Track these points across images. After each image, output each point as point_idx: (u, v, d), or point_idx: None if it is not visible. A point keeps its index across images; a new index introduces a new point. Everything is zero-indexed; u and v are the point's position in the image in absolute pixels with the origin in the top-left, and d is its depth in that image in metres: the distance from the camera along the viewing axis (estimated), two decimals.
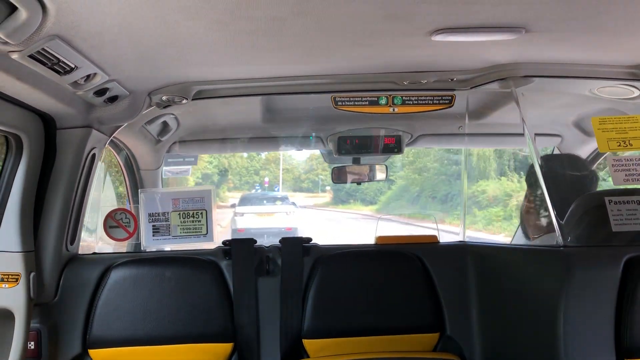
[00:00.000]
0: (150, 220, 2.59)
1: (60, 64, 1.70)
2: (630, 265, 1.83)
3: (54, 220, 2.32)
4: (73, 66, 1.75)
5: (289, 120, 3.37)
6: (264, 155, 24.02)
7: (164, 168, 3.69)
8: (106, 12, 1.46)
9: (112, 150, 3.32)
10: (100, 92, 2.08)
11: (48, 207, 2.30)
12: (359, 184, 3.75)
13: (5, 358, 2.14)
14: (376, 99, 2.53)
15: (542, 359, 1.96)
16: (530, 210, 2.49)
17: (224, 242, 2.64)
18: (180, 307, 2.48)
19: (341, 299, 2.56)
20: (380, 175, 3.60)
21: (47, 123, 2.21)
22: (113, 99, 2.21)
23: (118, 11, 1.46)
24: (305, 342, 2.54)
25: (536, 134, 2.33)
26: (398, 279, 2.59)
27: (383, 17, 1.57)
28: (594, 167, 3.07)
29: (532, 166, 2.50)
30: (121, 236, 2.60)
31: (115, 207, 2.72)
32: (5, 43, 1.45)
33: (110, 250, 2.96)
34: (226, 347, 2.50)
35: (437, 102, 2.55)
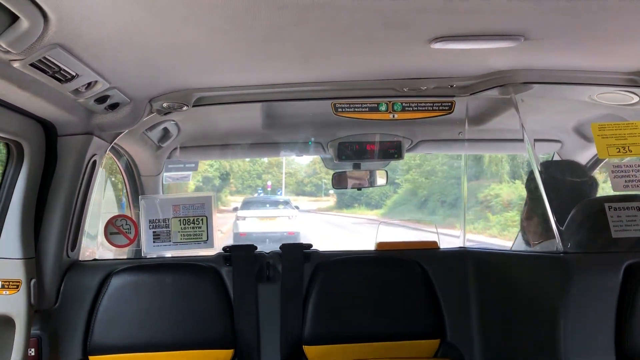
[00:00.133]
0: (151, 227, 2.59)
1: (61, 72, 1.71)
2: (630, 271, 1.83)
3: (54, 227, 2.32)
4: (74, 74, 1.76)
5: (289, 126, 3.38)
6: (266, 159, 23.96)
7: (165, 174, 3.70)
8: (107, 21, 1.47)
9: (113, 156, 3.33)
10: (101, 99, 2.09)
11: (49, 214, 2.31)
12: (359, 189, 3.76)
13: None
14: (376, 105, 2.53)
15: None
16: (530, 217, 2.49)
17: (224, 249, 2.64)
18: (181, 313, 2.48)
19: (342, 305, 2.56)
20: (380, 180, 3.61)
21: (48, 130, 2.22)
22: (114, 106, 2.22)
23: (119, 20, 1.47)
24: (306, 348, 2.54)
25: (536, 140, 2.33)
26: (398, 285, 2.59)
27: (382, 25, 1.58)
28: (595, 172, 3.07)
29: (531, 172, 2.50)
30: (122, 242, 2.60)
31: (116, 214, 2.72)
32: (7, 52, 1.47)
33: (111, 256, 2.96)
34: (226, 354, 2.50)
35: (437, 108, 2.55)
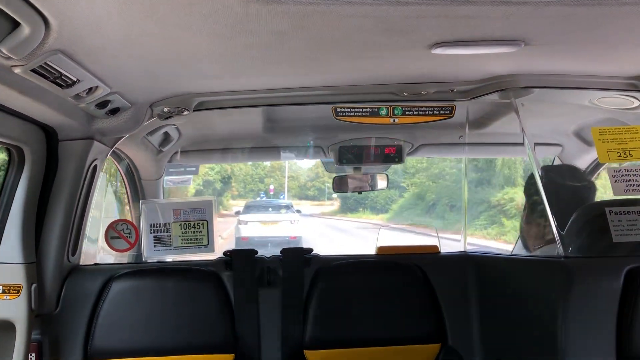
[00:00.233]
0: (152, 231, 2.59)
1: (62, 77, 1.71)
2: (631, 276, 1.83)
3: (55, 232, 2.32)
4: (75, 79, 1.77)
5: (290, 130, 3.39)
6: (268, 163, 23.89)
7: (166, 178, 3.70)
8: (108, 27, 1.47)
9: (114, 160, 3.33)
10: (102, 104, 2.09)
11: (50, 219, 2.31)
12: (359, 192, 3.76)
13: None
14: (377, 109, 2.54)
15: None
16: (530, 221, 2.49)
17: (225, 253, 2.64)
18: (181, 318, 2.48)
19: (342, 310, 2.56)
20: (381, 184, 3.61)
21: (49, 135, 2.22)
22: (115, 111, 2.23)
23: (119, 26, 1.47)
24: (307, 353, 2.53)
25: (536, 144, 2.33)
26: (399, 290, 2.59)
27: (383, 31, 1.58)
28: (595, 175, 3.07)
29: (530, 176, 2.50)
30: (122, 247, 2.60)
31: (117, 218, 2.72)
32: (8, 58, 1.47)
33: (112, 260, 2.96)
34: (227, 358, 2.50)
35: (438, 112, 2.55)
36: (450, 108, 2.54)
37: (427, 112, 2.55)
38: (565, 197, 2.36)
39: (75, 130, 2.23)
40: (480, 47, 1.75)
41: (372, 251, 2.78)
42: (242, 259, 2.61)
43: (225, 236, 13.77)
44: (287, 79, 2.22)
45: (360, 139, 3.14)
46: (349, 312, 2.55)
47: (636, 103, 2.43)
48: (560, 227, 2.04)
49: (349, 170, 3.46)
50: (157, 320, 2.46)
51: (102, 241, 2.65)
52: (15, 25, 1.36)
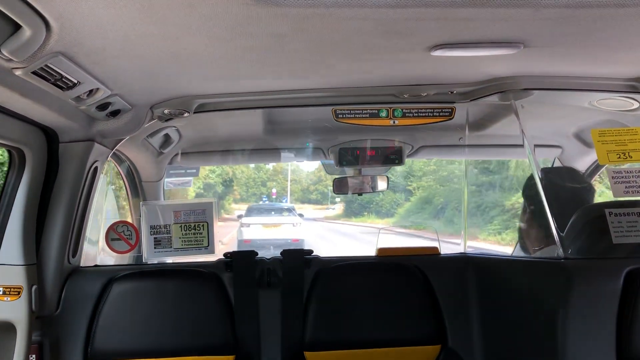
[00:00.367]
0: (152, 233, 2.60)
1: (63, 79, 1.72)
2: (631, 277, 1.83)
3: (56, 233, 2.33)
4: (76, 82, 1.77)
5: (290, 132, 3.39)
6: (271, 166, 23.78)
7: (166, 180, 3.71)
8: (108, 29, 1.48)
9: (114, 162, 3.33)
10: (103, 106, 2.10)
11: (50, 220, 2.31)
12: (360, 194, 3.76)
13: None
14: (377, 111, 2.54)
15: None
16: (529, 223, 2.49)
17: (225, 255, 2.65)
18: (182, 319, 2.48)
19: (342, 311, 2.56)
20: (381, 185, 3.61)
21: (50, 137, 2.23)
22: (115, 113, 2.23)
23: (120, 28, 1.48)
24: (307, 354, 2.54)
25: (536, 145, 2.34)
26: (399, 291, 2.60)
27: (382, 33, 1.59)
28: (595, 177, 3.08)
29: (529, 178, 2.51)
30: (123, 249, 2.61)
31: (117, 220, 2.72)
32: (9, 60, 1.48)
33: (112, 262, 2.97)
34: None
35: (437, 114, 2.56)
36: (450, 110, 2.55)
37: (427, 114, 2.55)
38: (565, 199, 2.36)
39: (76, 132, 2.23)
40: (479, 49, 1.75)
41: (372, 253, 2.79)
42: (242, 260, 2.61)
43: (226, 241, 13.69)
44: (287, 81, 2.22)
45: (360, 140, 3.14)
46: (349, 314, 2.55)
47: (636, 105, 2.44)
48: (560, 228, 2.05)
49: (349, 172, 3.46)
50: (158, 321, 2.47)
51: (102, 243, 2.66)
52: (17, 27, 1.37)
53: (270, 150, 3.70)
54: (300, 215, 16.19)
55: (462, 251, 2.88)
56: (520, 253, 2.64)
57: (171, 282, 2.55)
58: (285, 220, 14.78)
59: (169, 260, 2.76)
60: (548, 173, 2.54)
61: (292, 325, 2.55)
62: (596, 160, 2.94)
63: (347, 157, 3.15)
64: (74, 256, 2.47)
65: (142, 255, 2.64)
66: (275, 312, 2.57)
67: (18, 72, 1.57)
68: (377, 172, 3.54)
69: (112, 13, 1.38)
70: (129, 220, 3.61)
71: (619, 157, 2.06)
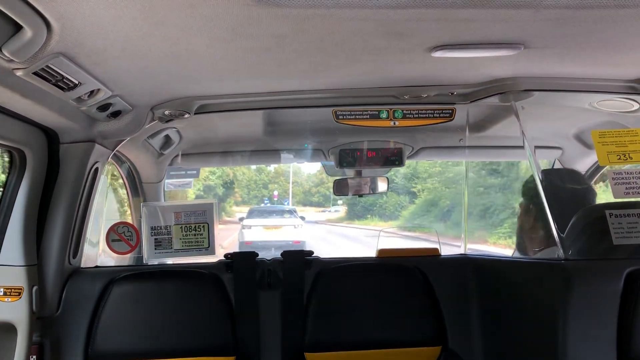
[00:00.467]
0: (153, 234, 2.60)
1: (64, 80, 1.72)
2: (631, 278, 1.83)
3: (56, 234, 2.33)
4: (77, 82, 1.77)
5: (290, 133, 3.40)
6: (272, 168, 23.65)
7: (166, 181, 3.71)
8: (109, 30, 1.48)
9: (115, 163, 3.34)
10: (104, 107, 2.10)
11: (51, 221, 2.32)
12: (360, 196, 3.77)
13: None
14: (377, 112, 2.54)
15: None
16: (530, 224, 2.49)
17: (226, 256, 2.65)
18: (182, 320, 2.48)
19: (343, 312, 2.56)
20: (381, 187, 3.62)
21: (51, 138, 2.23)
22: (116, 114, 2.23)
23: (121, 29, 1.48)
24: (307, 355, 2.53)
25: (536, 147, 2.34)
26: (400, 292, 2.59)
27: (383, 34, 1.59)
28: (596, 178, 3.08)
29: (529, 180, 2.51)
30: (123, 250, 2.61)
31: (118, 221, 2.73)
32: (11, 61, 1.48)
33: (112, 263, 2.97)
34: None
35: (438, 115, 2.56)
36: (450, 111, 2.55)
37: (427, 115, 2.56)
38: (565, 200, 2.36)
39: (77, 133, 2.23)
40: (480, 50, 1.76)
41: (372, 254, 2.79)
42: (242, 261, 2.61)
43: (226, 245, 13.52)
44: (287, 82, 2.22)
45: (360, 142, 3.14)
46: (349, 315, 2.55)
47: (636, 106, 2.44)
48: (560, 229, 2.05)
49: (349, 173, 3.47)
50: (158, 322, 2.47)
51: (103, 244, 2.66)
52: (18, 28, 1.37)
53: (270, 152, 3.70)
54: (302, 217, 16.18)
55: (463, 252, 2.88)
56: (518, 254, 2.64)
57: (172, 283, 2.55)
58: (286, 222, 14.78)
59: (170, 261, 2.76)
60: (548, 174, 2.54)
61: (292, 326, 2.55)
62: (596, 162, 2.94)
63: (348, 158, 3.15)
64: (74, 257, 2.47)
65: (142, 256, 2.64)
66: (275, 313, 2.57)
67: (19, 73, 1.57)
68: (377, 173, 3.54)
69: (113, 14, 1.38)
70: (130, 221, 3.61)
71: (620, 159, 2.06)
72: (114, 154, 2.61)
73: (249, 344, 2.53)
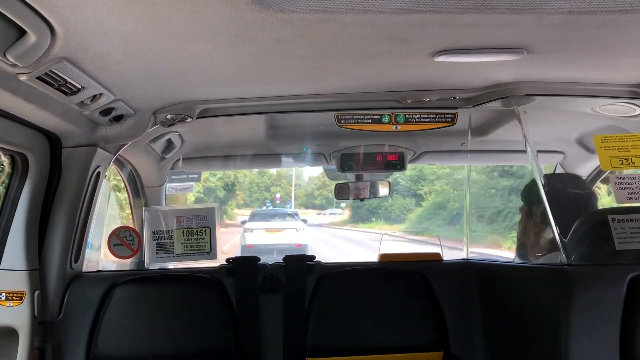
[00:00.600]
0: (154, 238, 2.59)
1: (67, 85, 1.72)
2: (634, 283, 1.82)
3: (58, 238, 2.32)
4: (80, 87, 1.77)
5: (292, 137, 3.39)
6: (274, 171, 23.54)
7: (168, 185, 3.71)
8: (113, 35, 1.48)
9: (116, 167, 3.34)
10: (106, 111, 2.10)
11: (53, 225, 2.31)
12: (361, 200, 3.77)
13: None
14: (379, 116, 2.54)
15: None
16: (532, 229, 2.49)
17: (228, 260, 2.64)
18: (184, 325, 2.47)
19: (345, 317, 2.55)
20: (383, 191, 3.62)
21: (53, 142, 2.23)
22: (118, 118, 2.23)
23: (124, 34, 1.48)
24: None
25: (538, 151, 2.33)
26: (401, 297, 2.59)
27: (385, 39, 1.59)
28: (598, 182, 3.07)
29: (530, 184, 2.51)
30: (125, 254, 2.60)
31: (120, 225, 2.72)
32: (14, 65, 1.48)
33: (114, 267, 2.97)
34: None
35: (440, 120, 2.56)
36: (452, 115, 2.55)
37: (429, 120, 2.56)
38: (568, 205, 2.36)
39: (79, 137, 2.23)
40: (483, 55, 1.76)
41: (374, 259, 2.78)
42: (244, 266, 2.61)
43: (227, 249, 13.48)
44: (289, 87, 2.22)
45: (362, 146, 3.14)
46: (351, 320, 2.55)
47: (638, 110, 2.44)
48: (562, 234, 2.04)
49: (351, 177, 3.46)
50: (160, 327, 2.46)
51: (104, 248, 2.65)
52: (22, 33, 1.37)
53: (272, 156, 3.70)
54: (304, 220, 16.17)
55: (465, 257, 2.88)
56: (517, 259, 2.64)
57: (173, 287, 2.55)
58: (288, 225, 14.78)
59: (171, 265, 2.76)
60: (551, 179, 2.54)
61: (294, 331, 2.55)
62: (598, 166, 2.94)
63: (349, 162, 3.15)
64: (76, 261, 2.46)
65: (144, 260, 2.63)
66: (277, 317, 2.57)
67: (23, 78, 1.57)
68: (379, 177, 3.54)
69: (117, 19, 1.38)
70: (131, 225, 3.60)
71: (622, 163, 2.05)
72: (116, 158, 2.61)
73: (250, 348, 2.52)
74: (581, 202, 2.46)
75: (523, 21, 1.48)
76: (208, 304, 2.51)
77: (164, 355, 2.44)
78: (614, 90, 2.25)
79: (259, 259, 2.66)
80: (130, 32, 1.48)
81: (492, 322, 2.48)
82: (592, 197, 2.52)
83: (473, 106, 2.48)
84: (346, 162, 3.15)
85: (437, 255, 2.77)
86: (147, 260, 2.61)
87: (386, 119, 2.54)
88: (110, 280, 2.51)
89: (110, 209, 3.66)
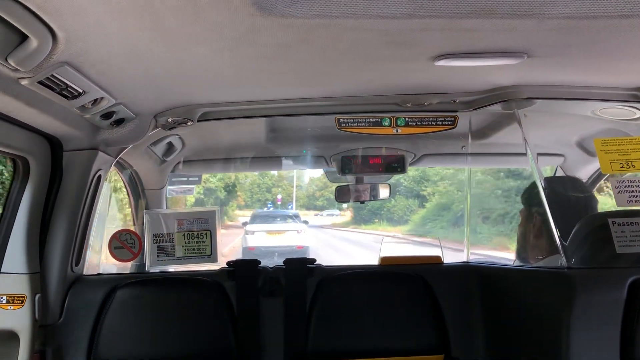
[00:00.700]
0: (155, 241, 2.60)
1: (68, 89, 1.72)
2: (635, 287, 1.82)
3: (59, 242, 2.33)
4: (81, 91, 1.78)
5: (292, 140, 3.40)
6: (276, 172, 23.47)
7: (168, 187, 3.71)
8: (114, 39, 1.49)
9: (117, 170, 3.34)
10: (107, 115, 2.11)
11: (54, 229, 2.32)
12: (362, 202, 3.77)
13: None
14: (379, 120, 2.55)
15: None
16: (531, 232, 2.49)
17: (228, 263, 2.64)
18: (184, 328, 2.47)
19: (345, 320, 2.55)
20: (383, 193, 3.63)
21: (54, 145, 2.24)
22: (119, 122, 2.24)
23: (126, 38, 1.49)
24: None
25: (539, 154, 2.34)
26: (402, 300, 2.59)
27: (386, 43, 1.60)
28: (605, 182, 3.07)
29: (530, 187, 2.51)
30: (126, 257, 2.60)
31: (121, 228, 2.72)
32: (16, 70, 1.48)
33: (115, 270, 2.97)
34: None
35: (440, 123, 2.56)
36: (452, 119, 2.55)
37: (429, 123, 2.56)
38: (568, 208, 2.36)
39: (80, 141, 2.24)
40: (483, 59, 1.76)
41: (375, 261, 2.78)
42: (244, 269, 2.61)
43: (227, 252, 13.35)
44: (290, 90, 2.23)
45: (362, 149, 3.15)
46: (351, 323, 2.54)
47: (638, 114, 2.44)
48: (563, 237, 2.04)
49: (351, 180, 3.47)
50: (160, 330, 2.46)
51: (105, 251, 2.65)
52: (23, 38, 1.37)
53: (272, 158, 3.71)
54: (305, 222, 16.16)
55: (465, 260, 2.88)
56: (518, 262, 2.63)
57: (174, 290, 2.55)
58: (289, 227, 14.78)
59: (172, 268, 2.76)
60: (551, 182, 2.54)
61: (294, 334, 2.55)
62: (599, 169, 2.94)
63: (350, 165, 3.15)
64: (77, 264, 2.46)
65: (144, 263, 2.63)
66: (277, 321, 2.57)
67: (24, 82, 1.58)
68: (379, 180, 3.54)
69: (118, 23, 1.39)
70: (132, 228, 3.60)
71: (622, 167, 2.06)
72: (117, 161, 2.62)
73: (251, 351, 2.52)
74: (581, 205, 2.46)
75: (523, 26, 1.48)
76: (209, 307, 2.51)
77: (164, 357, 2.44)
78: (614, 93, 2.25)
79: (260, 262, 2.66)
80: (131, 37, 1.48)
81: (493, 325, 2.48)
82: (592, 200, 2.52)
83: (473, 109, 2.48)
84: (347, 165, 3.16)
85: (438, 258, 2.77)
86: (147, 263, 2.61)
87: (387, 122, 2.55)
88: (111, 284, 2.51)
89: (111, 212, 3.66)
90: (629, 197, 2.03)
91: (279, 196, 23.63)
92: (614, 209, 2.09)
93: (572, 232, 2.12)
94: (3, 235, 2.19)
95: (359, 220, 21.84)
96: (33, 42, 1.38)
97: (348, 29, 1.47)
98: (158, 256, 2.59)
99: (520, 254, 2.62)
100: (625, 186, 2.05)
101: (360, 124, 2.55)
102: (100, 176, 2.45)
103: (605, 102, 2.35)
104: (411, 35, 1.54)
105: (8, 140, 1.95)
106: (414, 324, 2.55)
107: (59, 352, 2.38)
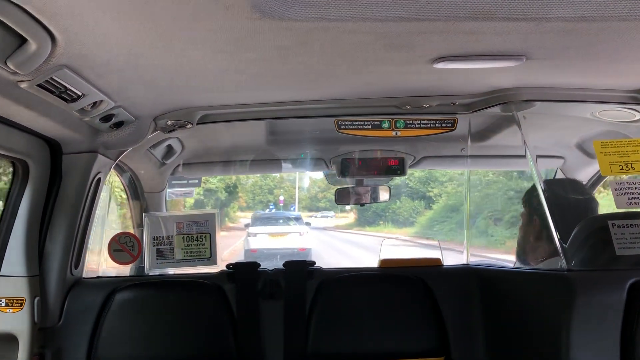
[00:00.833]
0: (154, 244, 2.59)
1: (67, 92, 1.73)
2: (634, 289, 1.82)
3: (58, 245, 2.33)
4: (80, 94, 1.78)
5: (292, 142, 3.40)
6: (278, 173, 23.26)
7: (168, 190, 3.71)
8: (113, 42, 1.49)
9: (117, 173, 3.34)
10: (106, 118, 2.11)
11: (53, 232, 2.31)
12: (362, 205, 3.78)
13: None
14: (379, 122, 2.55)
15: None
16: (532, 235, 2.49)
17: (228, 266, 2.64)
18: (184, 331, 2.47)
19: (345, 323, 2.55)
20: (383, 196, 3.63)
21: (53, 148, 2.24)
22: (119, 125, 2.24)
23: (125, 41, 1.49)
24: None
25: (538, 156, 2.34)
26: (402, 302, 2.59)
27: (385, 46, 1.60)
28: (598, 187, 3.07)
29: (530, 189, 2.51)
30: (125, 260, 2.60)
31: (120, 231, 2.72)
32: (15, 73, 1.48)
33: (114, 273, 2.96)
34: None
35: (440, 125, 2.56)
36: (452, 121, 2.55)
37: (429, 125, 2.56)
38: (568, 210, 2.36)
39: (80, 144, 2.24)
40: (482, 61, 1.76)
41: (374, 264, 2.78)
42: (244, 271, 2.61)
43: (227, 255, 13.15)
44: (290, 93, 2.23)
45: (362, 151, 3.15)
46: (351, 325, 2.54)
47: (638, 116, 2.44)
48: (563, 239, 2.04)
49: (351, 182, 3.47)
50: (160, 333, 2.46)
51: (105, 254, 2.65)
52: (23, 41, 1.37)
53: (272, 161, 3.71)
54: (307, 223, 16.11)
55: (465, 262, 2.87)
56: (518, 265, 2.63)
57: (173, 293, 2.55)
58: (291, 230, 14.74)
59: (171, 271, 2.76)
60: (551, 184, 2.54)
61: (294, 337, 2.54)
62: (598, 171, 2.94)
63: (349, 167, 3.15)
64: (76, 267, 2.46)
65: (144, 266, 2.63)
66: (277, 323, 2.56)
67: (23, 85, 1.58)
68: (379, 182, 3.55)
69: (117, 26, 1.39)
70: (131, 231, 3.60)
71: (622, 169, 2.06)
72: (116, 163, 2.62)
73: (250, 354, 2.52)
74: (581, 207, 2.46)
75: (522, 28, 1.48)
76: (208, 309, 2.51)
77: None
78: (613, 95, 2.25)
79: (259, 265, 2.66)
80: (130, 40, 1.48)
81: (493, 327, 2.48)
82: (592, 202, 2.52)
83: (473, 112, 2.49)
84: (346, 168, 3.16)
85: (437, 260, 2.77)
86: (147, 266, 2.61)
87: (386, 125, 2.55)
88: (111, 286, 2.51)
89: (110, 214, 3.66)
90: (629, 199, 2.03)
91: (281, 197, 23.55)
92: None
93: (572, 234, 2.12)
94: (2, 238, 2.19)
95: (363, 222, 21.61)
96: (32, 46, 1.38)
97: (347, 31, 1.47)
98: (157, 259, 2.59)
99: (520, 256, 2.62)
100: (625, 188, 2.04)
101: (359, 127, 2.55)
102: (99, 179, 2.45)
103: (605, 104, 2.35)
104: (410, 38, 1.55)
105: (7, 143, 1.96)
106: (414, 326, 2.55)
107: (58, 355, 2.38)
